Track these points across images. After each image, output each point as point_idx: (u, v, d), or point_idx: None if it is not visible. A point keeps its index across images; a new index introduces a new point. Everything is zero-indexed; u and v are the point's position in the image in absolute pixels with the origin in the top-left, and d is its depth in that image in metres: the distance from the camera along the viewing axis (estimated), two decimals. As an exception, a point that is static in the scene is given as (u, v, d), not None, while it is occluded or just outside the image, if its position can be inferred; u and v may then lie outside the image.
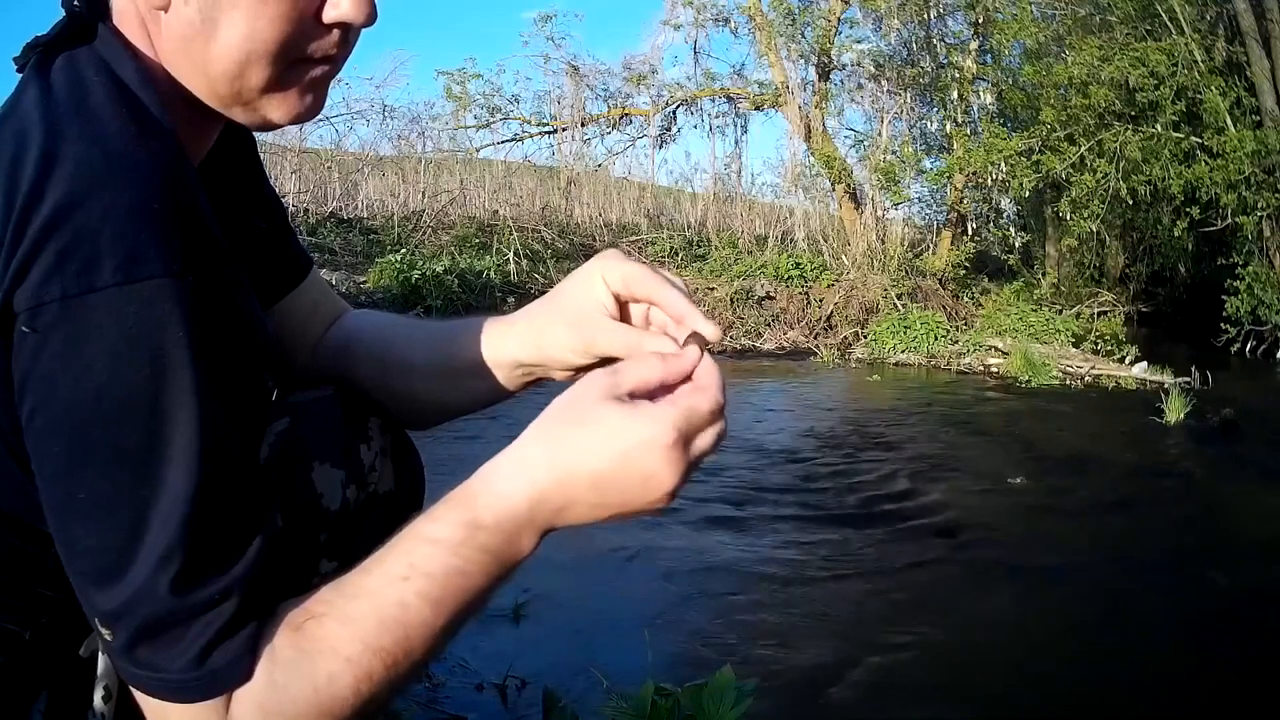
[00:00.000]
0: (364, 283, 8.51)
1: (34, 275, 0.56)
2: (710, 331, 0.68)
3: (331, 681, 0.60)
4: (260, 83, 0.66)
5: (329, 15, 0.67)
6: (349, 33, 0.69)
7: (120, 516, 0.57)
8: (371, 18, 0.68)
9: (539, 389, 0.84)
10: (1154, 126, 8.39)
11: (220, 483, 0.59)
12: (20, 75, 0.65)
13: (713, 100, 12.19)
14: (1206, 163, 8.09)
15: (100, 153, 0.58)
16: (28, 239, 0.56)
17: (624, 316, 0.76)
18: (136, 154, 0.59)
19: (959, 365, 7.90)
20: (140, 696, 0.60)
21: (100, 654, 0.70)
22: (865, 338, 8.58)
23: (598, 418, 0.62)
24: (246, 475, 0.62)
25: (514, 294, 9.07)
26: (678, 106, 12.32)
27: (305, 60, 0.68)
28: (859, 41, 10.83)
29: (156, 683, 0.59)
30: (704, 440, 0.64)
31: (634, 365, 0.65)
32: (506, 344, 0.81)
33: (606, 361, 0.76)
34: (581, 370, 0.78)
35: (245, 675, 0.59)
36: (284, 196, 10.64)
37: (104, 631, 0.59)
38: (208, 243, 0.61)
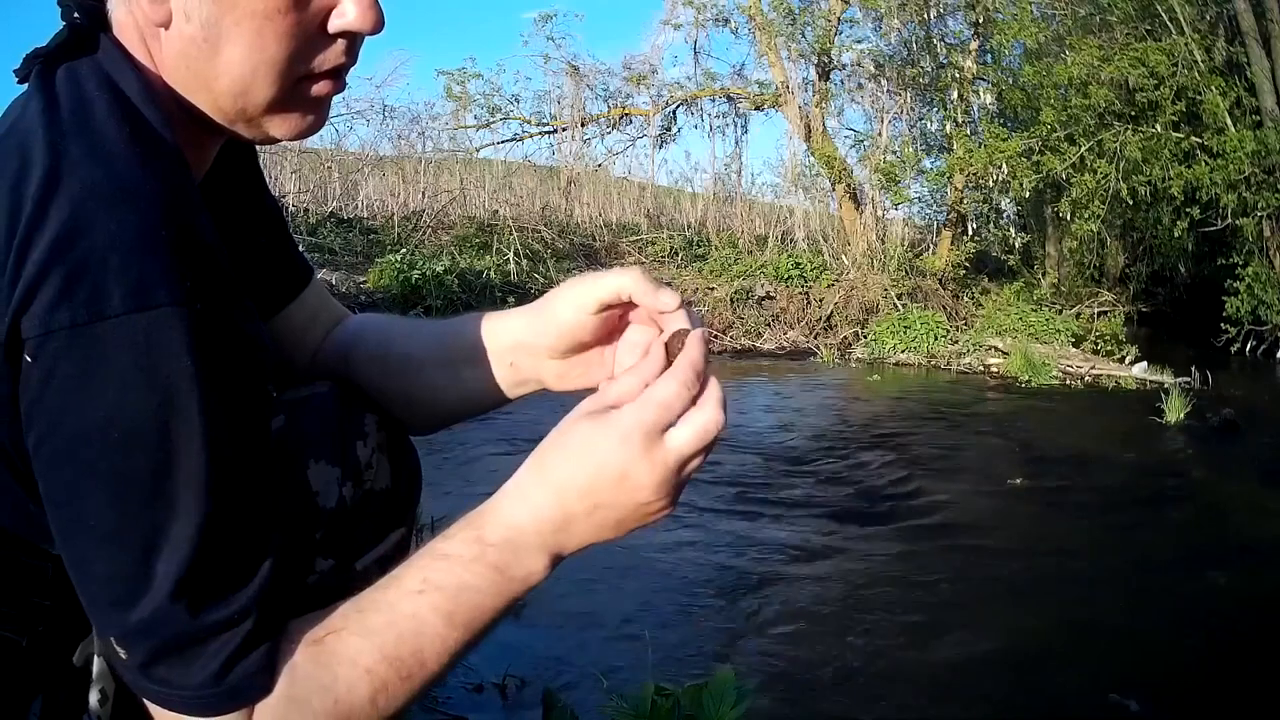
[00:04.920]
0: (364, 283, 8.50)
1: (41, 301, 0.56)
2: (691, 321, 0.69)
3: (351, 693, 0.61)
4: (265, 100, 0.66)
5: (334, 25, 0.66)
6: (354, 42, 0.68)
7: (132, 542, 0.57)
8: (379, 25, 0.67)
9: (536, 397, 0.84)
10: (1154, 126, 8.39)
11: (230, 505, 0.60)
12: (20, 86, 0.65)
13: (713, 100, 12.20)
14: (1206, 163, 8.09)
15: (105, 175, 0.58)
16: (32, 262, 0.56)
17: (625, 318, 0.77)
18: (142, 176, 0.59)
19: (959, 365, 7.90)
20: (155, 709, 0.61)
21: (96, 657, 0.70)
22: (865, 338, 8.57)
23: (574, 433, 0.65)
24: (256, 496, 0.62)
25: (514, 294, 9.06)
26: (678, 106, 12.31)
27: (310, 76, 0.67)
28: (859, 41, 10.83)
29: (175, 698, 0.59)
30: (681, 432, 0.63)
31: (615, 382, 0.67)
32: (505, 323, 0.81)
33: (604, 340, 0.77)
34: (574, 353, 0.78)
35: (264, 689, 0.60)
36: (284, 196, 10.65)
37: (119, 650, 0.59)
38: (212, 266, 0.61)
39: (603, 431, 0.63)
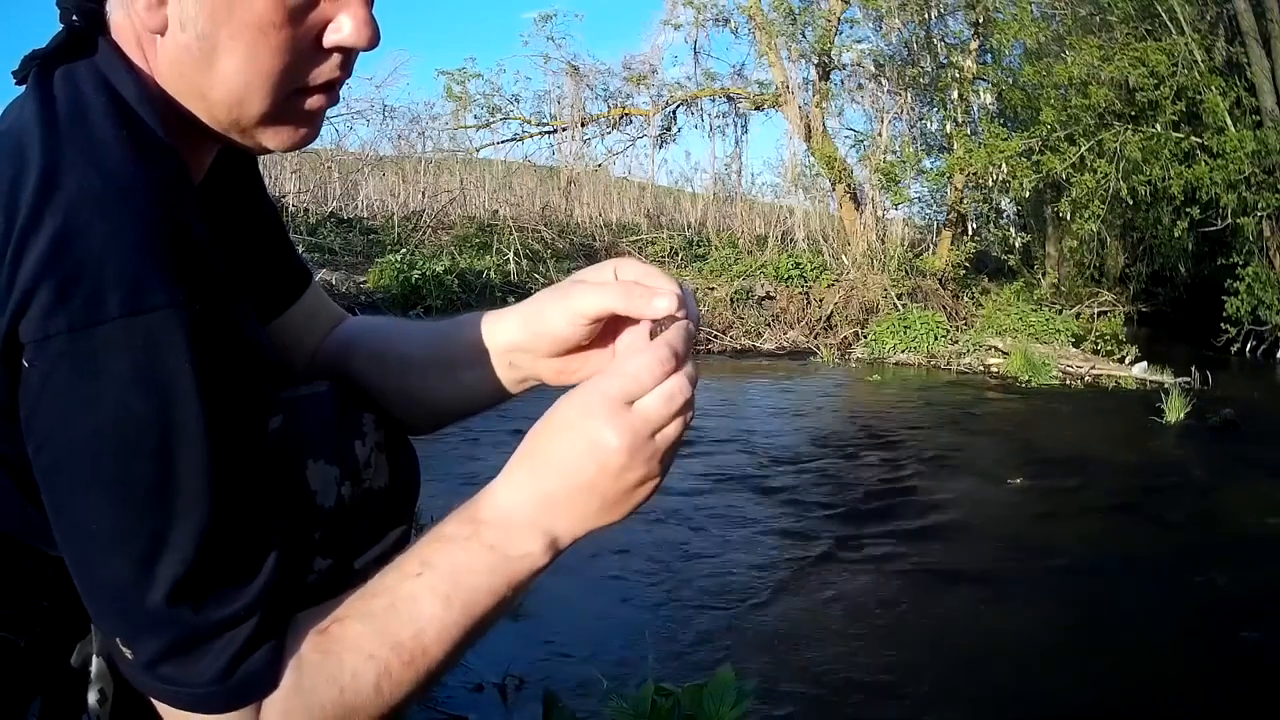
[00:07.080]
0: (364, 283, 8.50)
1: (37, 305, 0.55)
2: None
3: (355, 679, 0.61)
4: (258, 112, 0.66)
5: (330, 40, 0.66)
6: (349, 57, 0.68)
7: (135, 544, 0.57)
8: (374, 41, 0.67)
9: (536, 393, 0.84)
10: (1154, 126, 8.38)
11: (231, 505, 0.60)
12: (18, 88, 0.65)
13: (713, 100, 12.19)
14: (1206, 163, 8.08)
15: (101, 176, 0.58)
16: (29, 266, 0.56)
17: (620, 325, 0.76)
18: (138, 179, 0.59)
19: (959, 365, 7.89)
20: (163, 707, 0.61)
21: (94, 658, 0.70)
22: (865, 338, 8.57)
23: (553, 410, 0.66)
24: (256, 494, 0.63)
25: (514, 294, 9.05)
26: (678, 106, 12.30)
27: (304, 90, 0.67)
28: (859, 41, 10.82)
29: (183, 696, 0.60)
30: (648, 399, 0.63)
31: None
32: (502, 325, 0.81)
33: (599, 343, 0.76)
34: (573, 353, 0.78)
35: (271, 684, 0.60)
36: (284, 197, 10.66)
37: (124, 650, 0.59)
38: (209, 268, 0.61)
39: (571, 403, 0.65)
